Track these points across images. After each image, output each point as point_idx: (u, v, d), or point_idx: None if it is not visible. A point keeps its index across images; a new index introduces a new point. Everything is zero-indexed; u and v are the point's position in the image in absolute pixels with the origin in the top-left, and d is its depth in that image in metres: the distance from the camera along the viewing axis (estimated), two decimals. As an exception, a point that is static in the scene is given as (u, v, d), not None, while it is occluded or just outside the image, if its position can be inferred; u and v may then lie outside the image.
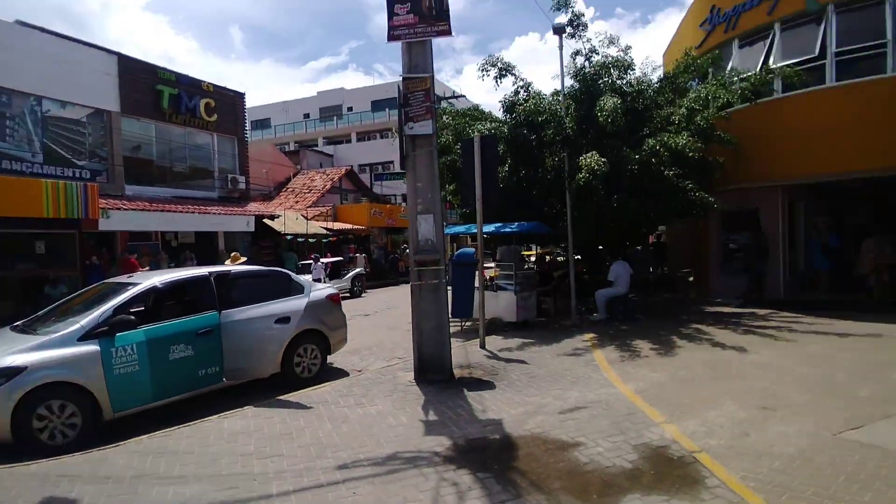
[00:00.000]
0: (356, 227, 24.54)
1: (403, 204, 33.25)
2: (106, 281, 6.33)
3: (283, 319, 5.88)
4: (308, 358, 6.58)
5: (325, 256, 20.91)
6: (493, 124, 10.81)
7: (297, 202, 25.94)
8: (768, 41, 12.23)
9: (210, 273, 5.94)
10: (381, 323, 12.24)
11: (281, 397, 5.76)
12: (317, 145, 43.90)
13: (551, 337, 8.99)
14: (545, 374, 6.52)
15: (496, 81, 10.29)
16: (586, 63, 10.73)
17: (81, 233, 13.74)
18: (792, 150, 11.33)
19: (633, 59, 10.30)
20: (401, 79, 6.17)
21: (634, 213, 9.64)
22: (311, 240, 21.17)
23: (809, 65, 11.34)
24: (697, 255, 14.48)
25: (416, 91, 6.13)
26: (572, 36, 10.50)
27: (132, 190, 15.70)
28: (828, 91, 11.35)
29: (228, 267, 6.39)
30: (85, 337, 4.85)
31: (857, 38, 11.13)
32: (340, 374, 7.20)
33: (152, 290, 5.50)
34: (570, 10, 10.20)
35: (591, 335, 9.07)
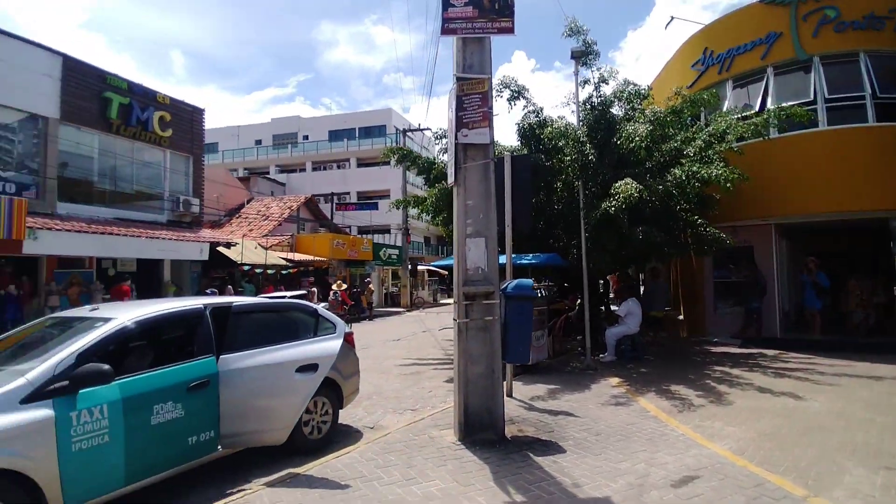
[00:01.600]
0: (317, 258, 22.89)
1: (363, 236, 31.86)
2: (55, 315, 4.71)
3: (308, 367, 4.47)
4: (318, 414, 5.20)
5: (280, 289, 19.14)
6: (500, 147, 10.04)
7: (251, 230, 23.99)
8: (763, 84, 12.40)
9: (205, 306, 4.52)
10: (364, 366, 10.78)
11: (297, 471, 4.36)
12: (268, 173, 41.86)
13: (574, 381, 8.03)
14: (609, 431, 5.48)
15: (509, 104, 9.58)
16: (594, 92, 10.29)
17: (-1, 256, 11.56)
18: (785, 188, 11.40)
19: (648, 90, 9.89)
20: (455, 80, 5.17)
21: (658, 245, 9.01)
22: (269, 271, 19.35)
23: (805, 108, 11.52)
24: (689, 292, 14.13)
25: (472, 94, 5.14)
26: (584, 64, 10.02)
27: (65, 208, 13.61)
28: (819, 134, 11.59)
29: (229, 299, 4.96)
30: (33, 397, 3.33)
31: (842, 88, 11.68)
32: (352, 434, 5.83)
33: (131, 329, 4.01)
34: (583, 38, 9.73)
35: (617, 379, 8.21)
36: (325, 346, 4.63)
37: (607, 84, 10.32)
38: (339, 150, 43.22)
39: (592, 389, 7.50)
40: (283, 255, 21.47)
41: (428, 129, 31.05)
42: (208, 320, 4.48)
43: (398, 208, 15.25)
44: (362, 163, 43.42)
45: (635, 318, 9.83)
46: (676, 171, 8.79)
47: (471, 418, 5.13)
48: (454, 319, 5.28)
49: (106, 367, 3.54)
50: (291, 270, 21.14)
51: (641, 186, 8.02)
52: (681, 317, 14.26)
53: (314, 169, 43.79)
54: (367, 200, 38.26)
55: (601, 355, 9.94)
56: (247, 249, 18.57)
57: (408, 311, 27.75)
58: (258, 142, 45.82)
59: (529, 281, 5.37)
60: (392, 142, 43.30)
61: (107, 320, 3.99)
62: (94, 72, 14.48)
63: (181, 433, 4.05)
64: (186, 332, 4.60)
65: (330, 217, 29.98)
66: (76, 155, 14.14)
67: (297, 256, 21.95)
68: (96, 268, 14.48)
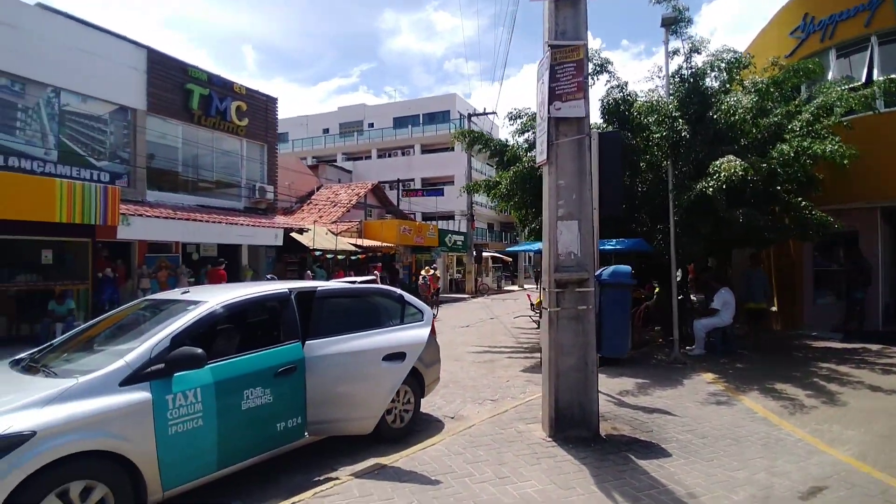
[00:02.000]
0: (384, 244, 23.08)
1: (429, 222, 31.85)
2: (149, 297, 4.80)
3: (396, 356, 4.29)
4: (401, 403, 5.05)
5: (350, 274, 19.43)
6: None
7: (321, 217, 24.53)
8: (867, 53, 11.03)
9: (290, 290, 4.43)
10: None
11: (383, 462, 4.20)
12: (335, 161, 42.78)
13: (663, 376, 7.44)
14: (716, 433, 4.96)
15: (592, 78, 8.96)
16: (684, 63, 9.45)
17: (95, 241, 12.31)
18: (894, 169, 10.04)
19: (750, 58, 8.94)
20: (547, 48, 4.76)
21: (758, 230, 8.19)
22: (339, 256, 19.69)
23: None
24: (784, 282, 12.95)
25: (566, 63, 4.71)
26: (674, 32, 9.20)
27: (153, 196, 14.34)
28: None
29: (313, 283, 4.86)
30: (131, 379, 3.33)
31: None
32: (433, 423, 5.65)
33: (221, 313, 3.97)
34: (673, 3, 8.90)
35: (711, 374, 7.56)
36: (413, 334, 4.42)
37: (699, 54, 9.46)
38: (403, 136, 43.41)
39: (686, 385, 6.92)
40: (352, 240, 21.78)
41: (493, 112, 30.51)
42: (294, 305, 4.38)
43: (468, 193, 14.95)
44: (426, 149, 43.43)
45: (730, 310, 9.05)
46: (784, 147, 7.88)
47: (561, 413, 4.79)
48: (543, 308, 4.93)
49: (199, 350, 3.48)
50: (360, 256, 21.42)
51: (746, 164, 7.25)
52: (773, 308, 13.12)
53: (379, 156, 44.29)
54: (431, 187, 38.29)
55: (687, 348, 9.25)
56: (318, 235, 18.94)
57: (472, 297, 27.56)
58: (325, 130, 46.88)
59: (627, 268, 4.93)
60: (456, 127, 42.92)
61: (198, 303, 3.95)
62: (177, 64, 15.09)
63: (270, 419, 3.98)
64: (273, 316, 4.54)
65: (396, 203, 30.18)
66: (161, 145, 14.85)
67: (366, 242, 22.21)
68: (182, 252, 15.21)
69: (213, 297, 4.04)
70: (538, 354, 9.68)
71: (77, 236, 11.77)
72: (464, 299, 25.97)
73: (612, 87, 9.26)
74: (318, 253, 18.68)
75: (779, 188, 8.70)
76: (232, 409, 3.74)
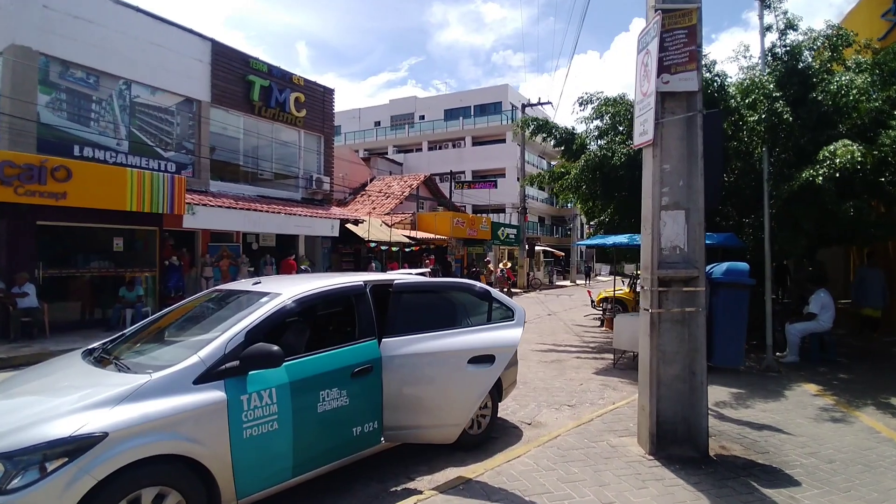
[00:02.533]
0: (438, 236, 22.80)
1: (481, 215, 31.36)
2: (219, 288, 4.58)
3: (483, 359, 3.87)
4: (479, 407, 4.63)
5: (404, 266, 19.24)
6: None
7: (374, 208, 24.49)
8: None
9: (365, 283, 4.09)
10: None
11: (467, 475, 3.81)
12: (387, 153, 42.88)
13: (759, 385, 6.73)
14: (842, 457, 4.29)
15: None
16: (778, 40, 8.53)
17: (162, 230, 12.56)
18: None
19: (854, 37, 7.94)
20: (654, 13, 4.19)
21: (867, 225, 7.27)
22: (393, 248, 19.54)
23: None
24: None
25: (676, 30, 4.14)
26: (767, 7, 8.29)
27: (216, 186, 14.54)
28: None
29: (388, 276, 4.51)
30: (205, 377, 3.06)
31: None
32: (509, 429, 5.21)
33: (295, 306, 3.67)
34: None
35: (814, 386, 6.76)
36: (503, 335, 3.96)
37: (794, 30, 8.51)
38: (454, 128, 42.95)
39: (789, 398, 6.18)
40: (406, 232, 21.61)
41: (549, 102, 29.65)
42: (369, 299, 4.04)
43: (529, 184, 14.31)
44: (477, 141, 42.84)
45: (829, 314, 8.14)
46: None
47: (662, 428, 4.25)
48: (642, 309, 4.39)
49: (275, 348, 3.18)
50: (414, 248, 21.21)
51: (864, 149, 6.38)
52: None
53: (430, 148, 44.05)
54: (482, 179, 37.73)
55: (778, 354, 8.40)
56: (372, 227, 18.85)
57: (525, 292, 26.91)
58: (377, 123, 47.05)
59: (744, 265, 4.29)
60: (507, 119, 42.09)
61: (273, 295, 3.66)
62: (239, 56, 15.23)
63: (346, 422, 3.66)
64: (347, 311, 4.21)
65: (448, 196, 29.84)
66: (224, 136, 15.04)
67: (419, 234, 21.99)
68: (242, 242, 15.41)
69: (288, 290, 3.74)
70: (608, 355, 9.10)
71: (145, 225, 12.04)
72: (515, 294, 25.37)
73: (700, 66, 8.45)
74: (372, 245, 18.58)
75: (882, 179, 7.70)
76: (308, 411, 3.43)
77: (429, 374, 3.85)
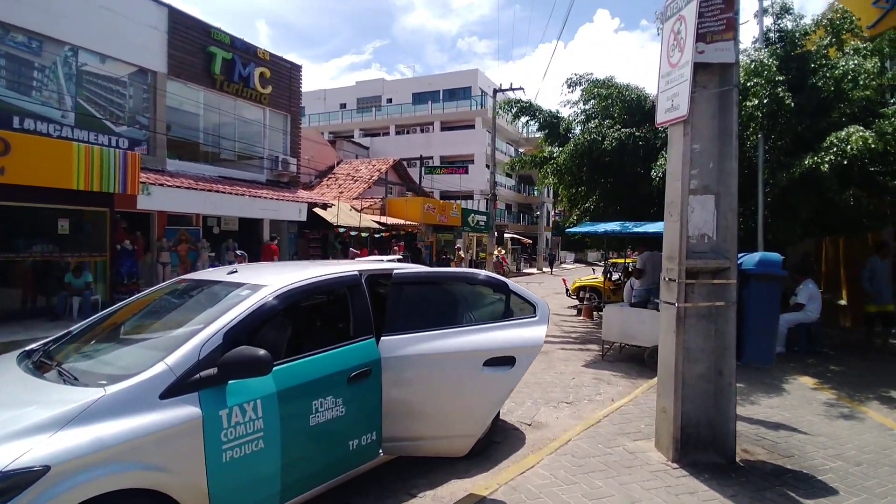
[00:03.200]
0: (408, 222, 22.18)
1: (453, 202, 30.81)
2: (187, 277, 3.91)
3: (501, 360, 3.35)
4: (481, 410, 4.18)
5: (374, 253, 18.57)
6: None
7: (341, 192, 23.64)
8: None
9: (360, 273, 3.55)
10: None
11: (477, 490, 3.36)
12: (353, 137, 41.69)
13: (755, 379, 6.55)
14: (866, 458, 4.06)
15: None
16: (773, 24, 8.33)
17: (113, 212, 11.54)
18: None
19: (856, 20, 7.78)
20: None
21: (864, 214, 7.18)
22: (363, 234, 18.83)
23: None
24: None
25: (712, -9, 3.71)
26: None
27: (173, 165, 13.50)
28: None
29: (384, 265, 3.95)
30: (175, 389, 2.47)
31: None
32: (510, 431, 4.79)
33: (282, 301, 3.09)
34: None
35: (809, 379, 6.67)
36: (525, 334, 3.43)
37: (789, 14, 8.34)
38: (422, 113, 42.09)
39: (791, 393, 6.01)
40: (375, 218, 20.92)
41: (521, 88, 29.24)
42: (365, 292, 3.50)
43: (512, 170, 13.82)
44: (446, 126, 42.13)
45: (816, 304, 8.08)
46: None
47: (686, 432, 3.90)
48: (663, 302, 4.02)
49: (262, 352, 2.61)
50: (384, 234, 20.54)
51: (874, 135, 6.20)
52: (842, 301, 12.08)
53: (398, 133, 43.09)
54: (451, 164, 37.14)
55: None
56: (341, 212, 18.09)
57: (496, 280, 26.65)
58: (342, 106, 45.65)
59: (777, 255, 3.96)
60: (477, 104, 41.50)
61: (254, 287, 3.08)
62: (198, 25, 14.10)
63: (342, 435, 3.14)
64: (340, 306, 3.65)
65: (419, 181, 29.18)
66: (182, 112, 13.95)
67: (389, 220, 21.32)
68: (202, 226, 14.42)
69: (271, 281, 3.16)
70: (593, 346, 8.84)
71: (94, 205, 10.99)
72: (487, 282, 25.08)
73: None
74: (341, 230, 17.84)
75: (872, 170, 7.63)
76: (299, 425, 2.89)
77: (437, 378, 3.34)
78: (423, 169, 29.53)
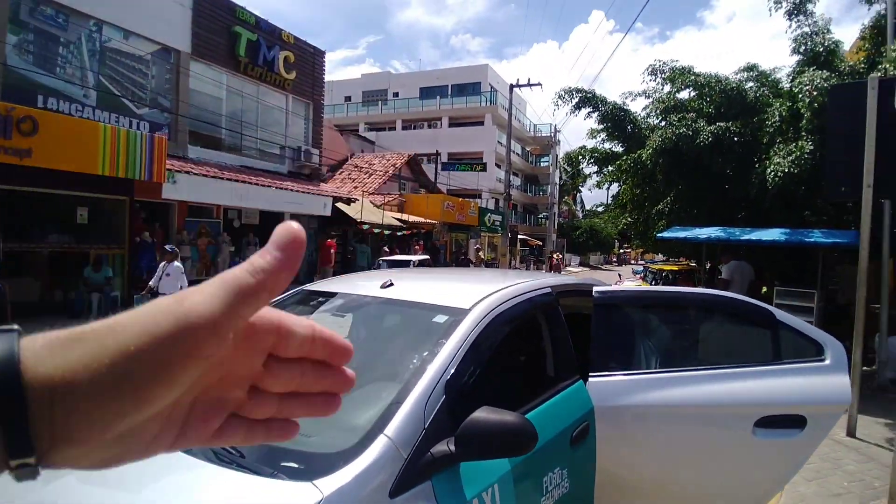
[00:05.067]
0: (428, 220, 21.30)
1: (471, 200, 29.96)
2: (316, 288, 2.91)
3: (784, 420, 2.43)
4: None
5: (395, 252, 17.64)
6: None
7: (355, 187, 22.68)
8: None
9: (552, 288, 2.68)
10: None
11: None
12: (358, 130, 40.68)
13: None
14: None
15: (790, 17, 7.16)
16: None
17: (132, 200, 10.56)
18: None
19: None
20: None
21: None
22: (386, 231, 17.93)
23: None
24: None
25: None
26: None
27: (194, 153, 12.52)
28: None
29: (573, 280, 3.04)
30: (407, 481, 1.60)
31: None
32: None
33: (495, 331, 2.21)
34: None
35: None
36: (816, 384, 2.49)
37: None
38: (430, 108, 41.17)
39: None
40: (395, 215, 20.02)
41: (538, 84, 28.43)
42: (562, 315, 2.65)
43: (570, 164, 12.93)
44: (454, 122, 41.29)
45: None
46: None
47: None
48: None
49: (520, 418, 1.74)
50: (405, 232, 19.64)
51: None
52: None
53: (404, 128, 42.14)
54: (458, 161, 36.28)
55: (871, 367, 7.56)
56: (365, 207, 17.17)
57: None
58: (347, 98, 44.59)
59: None
60: (487, 100, 40.68)
61: (455, 313, 2.18)
62: (224, 3, 13.11)
63: (562, 518, 2.28)
64: (532, 333, 2.76)
65: (434, 178, 28.32)
66: (204, 95, 12.96)
67: (410, 217, 20.42)
68: (223, 218, 13.45)
69: (463, 300, 2.26)
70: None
71: (114, 194, 10.01)
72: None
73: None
74: (364, 227, 16.93)
75: None
76: (531, 513, 2.04)
77: (679, 441, 2.48)
78: (438, 165, 28.67)
